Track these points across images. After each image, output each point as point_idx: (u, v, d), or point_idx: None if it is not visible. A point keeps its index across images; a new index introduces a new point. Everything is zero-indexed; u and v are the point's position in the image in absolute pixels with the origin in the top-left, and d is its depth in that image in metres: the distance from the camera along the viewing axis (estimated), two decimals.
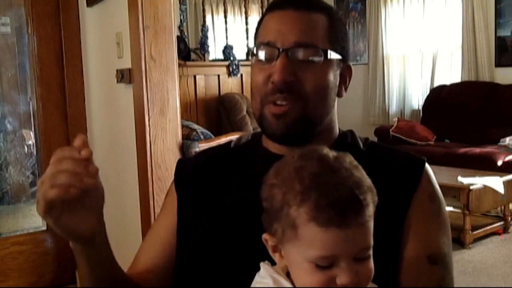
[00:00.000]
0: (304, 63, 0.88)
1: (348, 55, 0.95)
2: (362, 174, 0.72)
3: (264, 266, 0.77)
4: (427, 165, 0.93)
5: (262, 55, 0.90)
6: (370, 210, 0.71)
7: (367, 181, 0.72)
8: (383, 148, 0.99)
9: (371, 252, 0.71)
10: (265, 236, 0.76)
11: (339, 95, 0.95)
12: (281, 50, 0.87)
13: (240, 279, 0.82)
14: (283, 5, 0.91)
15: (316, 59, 0.88)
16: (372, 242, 0.72)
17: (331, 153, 0.74)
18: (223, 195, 0.94)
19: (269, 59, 0.89)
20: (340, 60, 0.92)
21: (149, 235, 1.04)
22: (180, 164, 1.05)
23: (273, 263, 0.78)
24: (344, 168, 0.71)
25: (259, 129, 0.98)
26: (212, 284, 0.90)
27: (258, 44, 0.92)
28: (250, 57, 0.96)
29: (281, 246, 0.74)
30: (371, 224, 0.71)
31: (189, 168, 1.03)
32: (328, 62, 0.90)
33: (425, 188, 0.90)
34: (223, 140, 2.82)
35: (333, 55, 0.90)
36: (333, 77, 0.91)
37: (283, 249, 0.74)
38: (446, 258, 0.87)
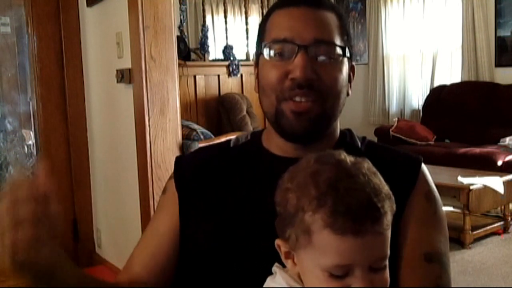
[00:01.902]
0: (322, 60, 0.87)
1: (353, 55, 0.96)
2: (380, 181, 0.70)
3: (280, 273, 0.75)
4: (423, 164, 0.94)
5: (277, 49, 0.88)
6: (388, 218, 0.69)
7: (385, 188, 0.70)
8: (380, 147, 0.99)
9: (387, 262, 0.70)
10: (277, 241, 0.74)
11: (347, 94, 0.95)
12: (300, 46, 0.86)
13: (244, 280, 0.82)
14: (294, 2, 0.90)
15: (334, 56, 0.88)
16: (388, 252, 0.69)
17: (349, 158, 0.72)
18: (226, 195, 0.92)
19: (284, 55, 0.88)
20: (349, 59, 0.92)
21: (148, 233, 1.01)
22: (179, 162, 1.03)
23: (281, 264, 0.76)
24: (362, 173, 0.69)
25: (258, 129, 0.97)
26: (216, 285, 0.89)
27: (271, 41, 0.89)
28: (256, 55, 0.94)
29: (294, 252, 0.72)
30: (389, 233, 0.69)
31: (189, 166, 1.01)
32: (343, 59, 0.90)
33: (422, 187, 0.91)
34: (223, 140, 2.82)
35: (348, 52, 0.90)
36: (346, 75, 0.91)
37: (296, 255, 0.72)
38: (443, 257, 0.87)
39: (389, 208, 0.69)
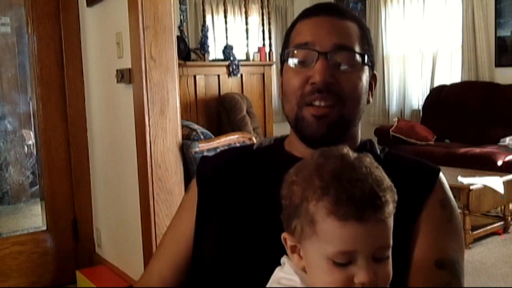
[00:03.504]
0: (342, 67, 0.90)
1: (375, 64, 0.98)
2: (382, 174, 0.73)
3: (289, 262, 0.77)
4: (441, 174, 0.96)
5: (299, 57, 0.92)
6: (390, 208, 0.71)
7: (387, 180, 0.72)
8: (399, 156, 1.01)
9: (390, 253, 0.71)
10: (284, 235, 0.76)
11: (367, 101, 0.97)
12: (320, 52, 0.89)
13: (256, 280, 0.82)
14: (317, 12, 0.94)
15: (354, 63, 0.91)
16: (391, 242, 0.71)
17: (352, 153, 0.75)
18: (245, 196, 0.95)
19: (306, 62, 0.91)
20: (370, 67, 0.95)
21: (169, 231, 1.06)
22: (203, 162, 1.07)
23: None
24: (364, 166, 0.72)
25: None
26: (228, 283, 0.90)
27: (294, 47, 0.93)
28: (281, 63, 0.98)
29: (299, 245, 0.74)
30: (391, 223, 0.71)
31: (211, 166, 1.05)
32: (363, 67, 0.93)
33: (438, 195, 0.92)
34: (223, 140, 2.82)
35: (367, 60, 0.93)
36: (366, 83, 0.94)
37: (302, 247, 0.73)
38: (455, 265, 0.87)
39: (390, 198, 0.71)
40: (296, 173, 0.75)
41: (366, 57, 0.93)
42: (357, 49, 0.92)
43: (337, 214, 0.68)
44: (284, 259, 0.78)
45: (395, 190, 0.72)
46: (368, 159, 0.74)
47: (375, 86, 0.99)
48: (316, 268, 0.71)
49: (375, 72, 0.98)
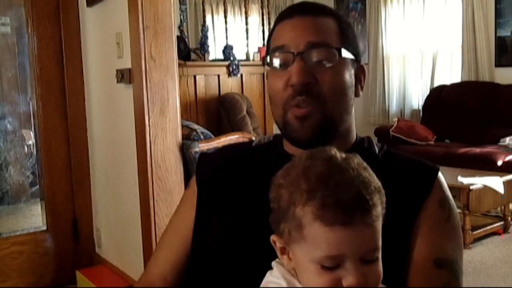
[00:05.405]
0: (319, 64, 0.90)
1: (360, 56, 0.97)
2: (370, 175, 0.72)
3: (277, 266, 0.77)
4: (440, 173, 0.95)
5: (276, 61, 0.93)
6: (378, 210, 0.70)
7: (375, 181, 0.71)
8: (398, 155, 1.00)
9: (379, 254, 0.71)
10: (273, 237, 0.76)
11: (356, 95, 0.97)
12: (295, 53, 0.89)
13: (255, 279, 0.82)
14: (291, 14, 0.94)
15: (331, 59, 0.90)
16: (380, 244, 0.70)
17: (339, 154, 0.74)
18: (243, 195, 0.95)
19: (284, 65, 0.92)
20: (353, 60, 0.94)
21: (169, 229, 1.06)
22: (202, 159, 1.08)
23: None
24: (352, 168, 0.71)
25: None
26: (224, 282, 0.90)
27: (271, 52, 0.94)
28: (264, 67, 0.99)
29: (288, 248, 0.73)
30: (379, 225, 0.70)
31: (210, 164, 1.05)
32: (343, 61, 0.92)
33: (436, 195, 0.92)
34: (223, 140, 2.82)
35: (346, 53, 0.92)
36: (349, 76, 0.93)
37: (290, 250, 0.73)
38: (454, 264, 0.87)
39: (378, 200, 0.70)
40: (284, 176, 0.74)
41: (344, 50, 0.92)
42: (333, 44, 0.91)
43: (323, 219, 0.67)
44: (274, 263, 0.78)
45: (383, 191, 0.72)
46: (356, 160, 0.73)
47: (364, 78, 0.98)
48: (305, 271, 0.71)
49: (362, 63, 0.98)
